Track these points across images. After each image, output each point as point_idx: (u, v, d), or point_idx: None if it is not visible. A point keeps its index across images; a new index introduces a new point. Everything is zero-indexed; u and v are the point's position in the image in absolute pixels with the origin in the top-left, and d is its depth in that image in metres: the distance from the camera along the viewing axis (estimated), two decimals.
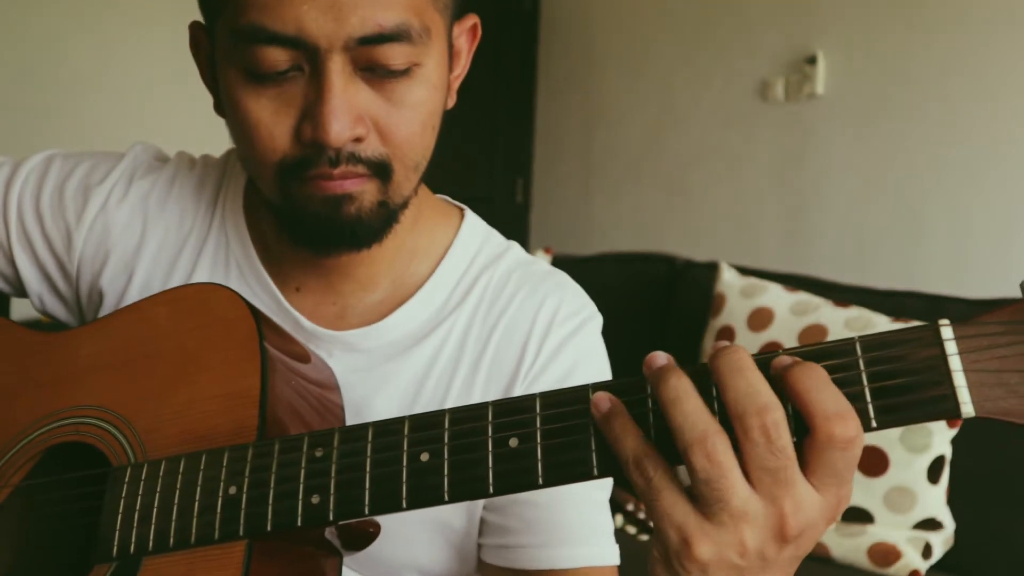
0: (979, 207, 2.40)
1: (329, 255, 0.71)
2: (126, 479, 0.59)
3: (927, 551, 1.52)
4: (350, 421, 0.70)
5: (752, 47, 2.89)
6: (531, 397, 0.51)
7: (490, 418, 0.51)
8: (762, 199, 2.89)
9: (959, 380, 0.44)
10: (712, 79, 3.01)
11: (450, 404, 0.73)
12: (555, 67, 3.54)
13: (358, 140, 0.63)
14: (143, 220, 0.78)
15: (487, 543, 0.74)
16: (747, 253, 2.55)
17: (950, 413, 0.44)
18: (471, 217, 0.81)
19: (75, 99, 2.24)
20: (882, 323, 1.62)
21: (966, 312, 1.65)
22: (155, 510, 0.57)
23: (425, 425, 0.53)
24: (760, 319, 1.74)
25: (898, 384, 0.45)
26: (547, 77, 3.58)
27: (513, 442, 0.50)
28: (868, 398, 0.45)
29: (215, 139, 0.98)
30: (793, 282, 1.85)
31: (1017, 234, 2.34)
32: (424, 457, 0.52)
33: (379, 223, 0.67)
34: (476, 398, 0.73)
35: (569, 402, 0.50)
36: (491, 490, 0.50)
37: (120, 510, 0.58)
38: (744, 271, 1.92)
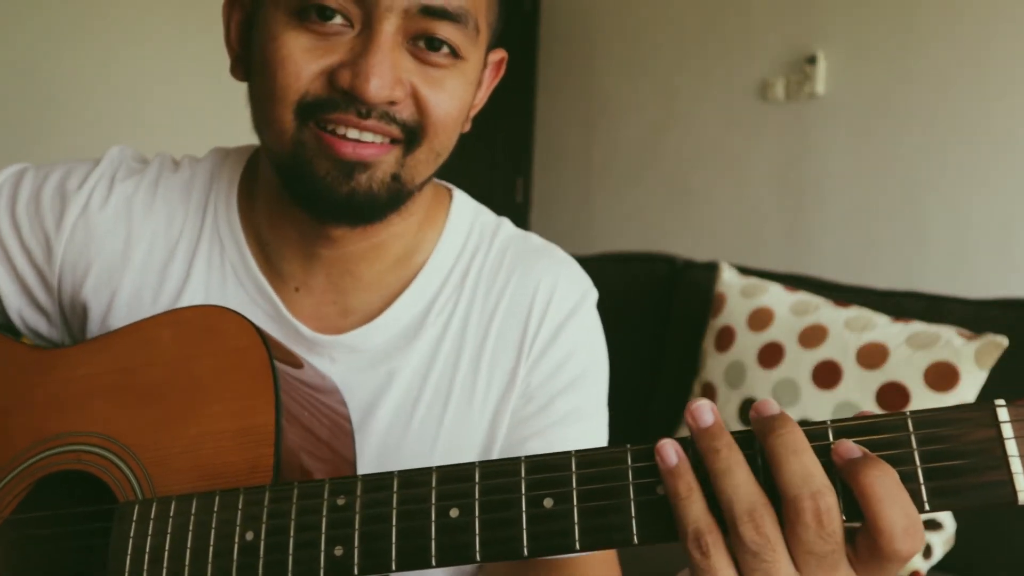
0: (979, 207, 2.40)
1: (326, 224, 0.68)
2: (134, 517, 0.56)
3: (927, 551, 1.52)
4: (358, 422, 0.70)
5: (752, 47, 2.89)
6: (566, 455, 0.49)
7: (523, 474, 0.49)
8: (762, 199, 2.89)
9: (1016, 466, 0.42)
10: (712, 79, 3.01)
11: (456, 393, 0.73)
12: (555, 67, 3.53)
13: (392, 104, 0.62)
14: (128, 225, 0.75)
15: None
16: (747, 253, 2.55)
17: (1006, 499, 0.43)
18: (459, 196, 0.80)
19: (73, 99, 2.24)
20: (882, 323, 1.62)
21: (966, 312, 1.64)
22: (166, 552, 0.55)
23: (454, 478, 0.51)
24: (760, 319, 1.74)
25: (952, 466, 0.43)
26: (547, 77, 3.57)
27: (548, 502, 0.48)
28: (921, 479, 0.44)
29: (214, 140, 0.98)
30: (793, 282, 1.85)
31: (1017, 234, 2.34)
32: (454, 513, 0.50)
33: (387, 198, 0.65)
34: (482, 384, 0.74)
35: (606, 462, 0.48)
36: (525, 552, 0.48)
37: (129, 550, 0.56)
38: (744, 271, 1.92)
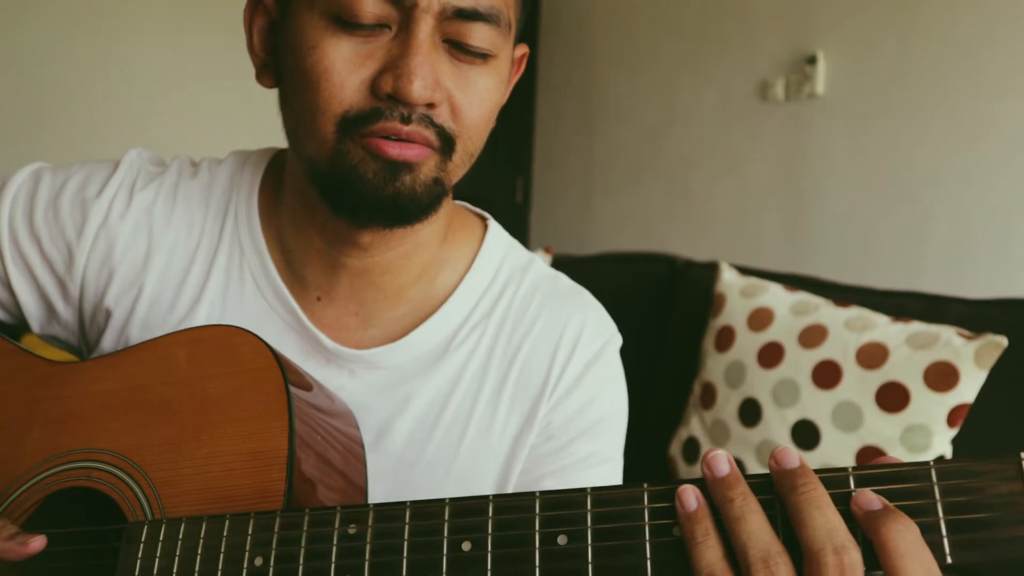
0: (979, 207, 2.40)
1: (360, 229, 0.68)
2: (143, 538, 0.56)
3: None
4: (373, 440, 0.70)
5: (752, 47, 2.89)
6: (582, 492, 0.49)
7: (537, 510, 0.49)
8: (762, 199, 2.89)
9: None
10: (712, 79, 3.01)
11: (475, 424, 0.73)
12: (555, 67, 3.54)
13: (431, 106, 0.62)
14: (148, 233, 0.74)
15: None
16: (747, 253, 2.55)
17: None
18: (494, 227, 0.80)
19: (75, 102, 2.24)
20: (882, 323, 1.62)
21: (966, 312, 1.65)
22: (174, 575, 0.54)
23: (467, 511, 0.50)
24: (760, 319, 1.74)
25: (976, 519, 0.43)
26: (547, 77, 3.57)
27: (562, 539, 0.48)
28: (943, 531, 0.43)
29: (217, 143, 0.98)
30: (793, 282, 1.85)
31: (1017, 234, 2.34)
32: (466, 546, 0.49)
33: (428, 199, 0.65)
34: (501, 417, 0.74)
35: (622, 501, 0.48)
36: None
37: (136, 571, 0.56)
38: (744, 271, 1.92)
